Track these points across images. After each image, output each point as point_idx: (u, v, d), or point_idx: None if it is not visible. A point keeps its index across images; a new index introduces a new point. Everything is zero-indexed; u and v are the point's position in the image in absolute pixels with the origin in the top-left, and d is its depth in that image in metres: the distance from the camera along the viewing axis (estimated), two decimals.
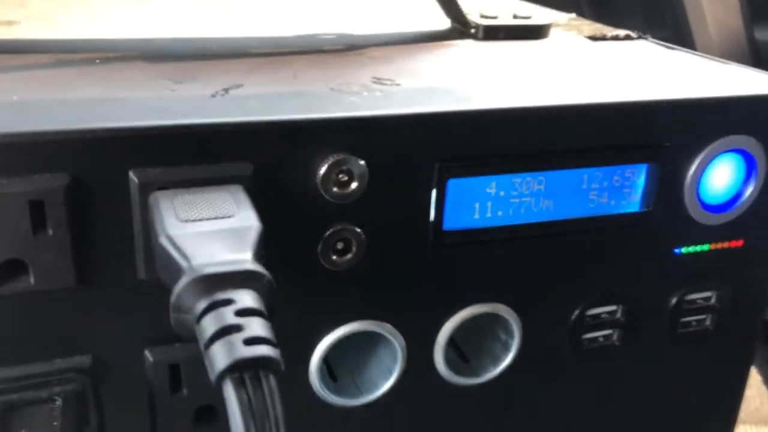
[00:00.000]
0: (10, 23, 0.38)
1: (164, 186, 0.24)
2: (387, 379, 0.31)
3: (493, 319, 0.32)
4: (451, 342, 0.32)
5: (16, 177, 0.23)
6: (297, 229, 0.27)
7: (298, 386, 0.29)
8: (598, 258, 0.33)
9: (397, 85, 0.30)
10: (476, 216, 0.29)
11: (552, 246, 0.31)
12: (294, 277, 0.28)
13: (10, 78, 0.28)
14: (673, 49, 0.40)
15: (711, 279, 0.35)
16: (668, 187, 0.32)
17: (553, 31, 0.42)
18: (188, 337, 0.20)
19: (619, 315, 0.34)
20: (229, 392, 0.18)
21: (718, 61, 0.38)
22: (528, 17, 0.42)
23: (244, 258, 0.21)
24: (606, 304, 0.34)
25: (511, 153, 0.29)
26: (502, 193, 0.29)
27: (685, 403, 0.38)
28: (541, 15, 0.44)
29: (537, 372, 0.34)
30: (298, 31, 0.39)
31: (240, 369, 0.18)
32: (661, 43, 0.42)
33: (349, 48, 0.36)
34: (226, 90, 0.28)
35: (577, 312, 0.33)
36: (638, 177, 0.31)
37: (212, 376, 0.19)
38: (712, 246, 0.34)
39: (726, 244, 0.34)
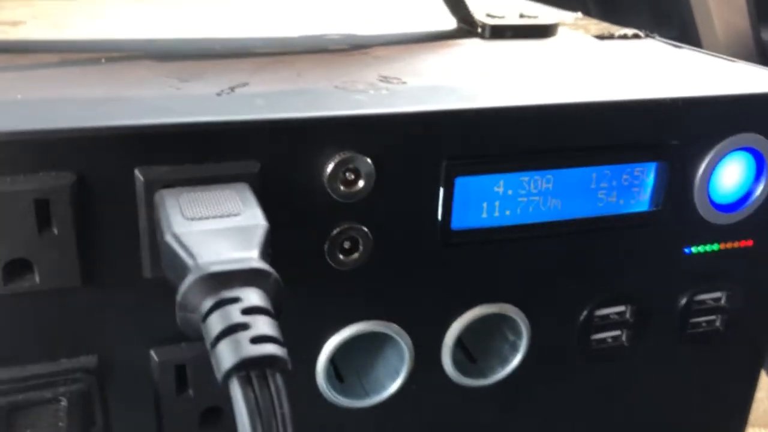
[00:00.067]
0: (15, 23, 0.38)
1: (170, 184, 0.24)
2: (394, 379, 0.31)
3: (501, 319, 0.32)
4: (459, 342, 0.32)
5: (21, 175, 0.23)
6: (304, 228, 0.27)
7: (305, 387, 0.29)
8: (607, 258, 0.32)
9: (404, 83, 0.30)
10: (484, 215, 0.29)
11: (560, 246, 0.31)
12: (300, 277, 0.27)
13: (15, 77, 0.28)
14: (681, 47, 0.40)
15: (721, 279, 0.35)
16: (677, 186, 0.32)
17: (560, 30, 0.42)
18: (194, 336, 0.20)
19: (628, 315, 0.34)
20: (236, 391, 0.18)
21: (726, 59, 0.37)
22: (535, 16, 0.41)
23: (250, 256, 0.21)
24: (615, 304, 0.33)
25: (519, 151, 0.29)
26: (510, 192, 0.29)
27: (695, 405, 0.38)
28: (547, 14, 0.43)
29: (545, 373, 0.33)
30: (303, 32, 0.39)
31: (247, 368, 0.18)
32: (669, 41, 0.42)
33: (355, 48, 0.36)
34: (232, 88, 0.28)
35: (585, 312, 0.33)
36: (647, 175, 0.31)
37: (219, 375, 0.18)
38: (722, 246, 0.34)
39: (736, 244, 0.34)
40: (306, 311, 0.28)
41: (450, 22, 0.42)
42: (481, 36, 0.40)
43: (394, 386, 0.31)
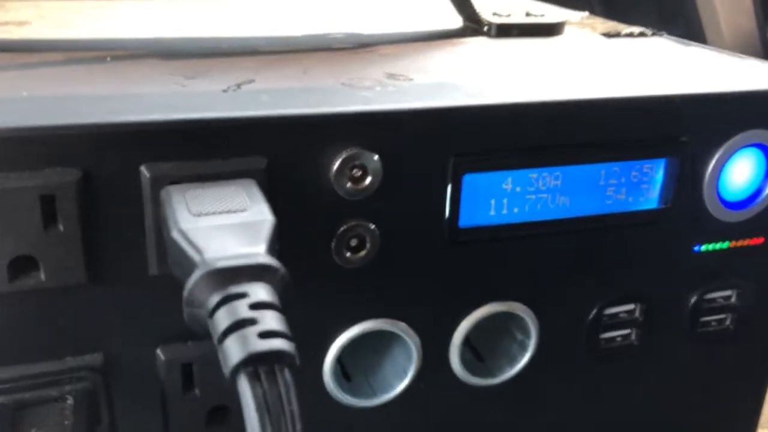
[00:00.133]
0: (21, 23, 0.38)
1: (176, 180, 0.24)
2: (402, 379, 0.30)
3: (509, 318, 0.32)
4: (466, 342, 0.31)
5: (27, 171, 0.22)
6: (310, 226, 0.27)
7: (312, 386, 0.29)
8: (616, 256, 0.32)
9: (411, 80, 0.30)
10: (492, 212, 0.29)
11: (569, 243, 0.31)
12: (307, 274, 0.27)
13: (21, 75, 0.28)
14: (689, 44, 0.40)
15: (731, 277, 0.34)
16: (687, 183, 0.31)
17: (566, 29, 0.42)
18: (201, 332, 0.20)
19: (637, 314, 0.33)
20: (244, 387, 0.18)
21: (735, 56, 0.37)
22: (541, 15, 0.41)
23: (257, 251, 0.20)
24: (624, 303, 0.33)
25: (527, 148, 0.28)
26: (518, 189, 0.29)
27: (705, 405, 0.37)
28: (554, 13, 0.43)
29: (553, 372, 0.33)
30: (308, 31, 0.39)
31: (254, 363, 0.18)
32: (677, 39, 0.41)
33: (360, 46, 0.36)
34: (238, 85, 0.27)
35: (594, 311, 0.33)
36: (656, 172, 0.31)
37: (226, 371, 0.18)
38: (732, 244, 0.33)
39: (746, 242, 0.34)
40: (313, 309, 0.28)
41: (456, 21, 0.41)
42: (488, 34, 0.39)
43: (401, 385, 0.30)
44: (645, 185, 0.31)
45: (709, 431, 0.38)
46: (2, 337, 0.24)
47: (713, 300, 0.34)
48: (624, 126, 0.30)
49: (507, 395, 0.33)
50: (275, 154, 0.25)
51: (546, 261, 0.31)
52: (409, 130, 0.27)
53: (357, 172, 0.26)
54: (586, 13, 0.49)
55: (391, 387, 0.30)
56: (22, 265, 0.23)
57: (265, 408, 0.17)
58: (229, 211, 0.22)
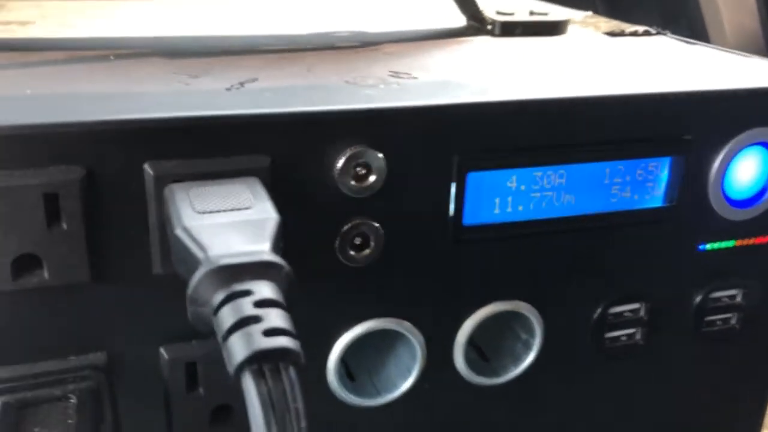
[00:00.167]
0: (24, 23, 0.38)
1: (180, 179, 0.23)
2: (406, 378, 0.30)
3: (513, 317, 0.31)
4: (470, 341, 0.31)
5: (30, 169, 0.22)
6: (314, 224, 0.26)
7: (315, 385, 0.29)
8: (621, 254, 0.32)
9: (415, 78, 0.30)
10: (496, 211, 0.29)
11: (573, 242, 0.31)
12: (311, 273, 0.27)
13: (25, 73, 0.28)
14: (693, 43, 0.40)
15: (736, 276, 0.34)
16: (692, 182, 0.31)
17: (570, 28, 0.42)
18: (205, 330, 0.20)
19: (642, 313, 0.33)
20: (249, 385, 0.18)
21: (740, 54, 0.37)
22: (545, 14, 0.41)
23: (262, 249, 0.20)
24: (629, 302, 0.33)
25: (531, 146, 0.28)
26: (522, 187, 0.29)
27: (710, 405, 0.37)
28: (557, 12, 0.43)
29: (558, 372, 0.33)
30: (311, 29, 0.39)
31: (259, 360, 0.18)
32: (681, 38, 0.41)
33: (364, 45, 0.36)
34: (242, 83, 0.27)
35: (599, 310, 0.32)
36: (661, 170, 0.31)
37: (230, 369, 0.18)
38: (738, 242, 0.33)
39: (752, 240, 0.34)
40: (316, 308, 0.28)
41: (459, 20, 0.41)
42: (491, 33, 0.39)
43: (405, 385, 0.30)
44: (650, 183, 0.31)
45: (714, 431, 0.38)
46: (5, 335, 0.24)
47: (718, 299, 0.34)
48: (629, 124, 0.30)
49: (511, 395, 0.32)
50: (279, 152, 0.25)
51: (550, 260, 0.31)
52: (414, 128, 0.27)
53: (361, 170, 0.26)
54: (589, 13, 0.48)
55: (395, 386, 0.30)
56: (26, 263, 0.23)
57: (270, 406, 0.17)
58: (233, 209, 0.22)
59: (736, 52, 0.38)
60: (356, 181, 0.26)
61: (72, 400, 0.24)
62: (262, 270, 0.20)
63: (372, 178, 0.26)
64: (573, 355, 0.33)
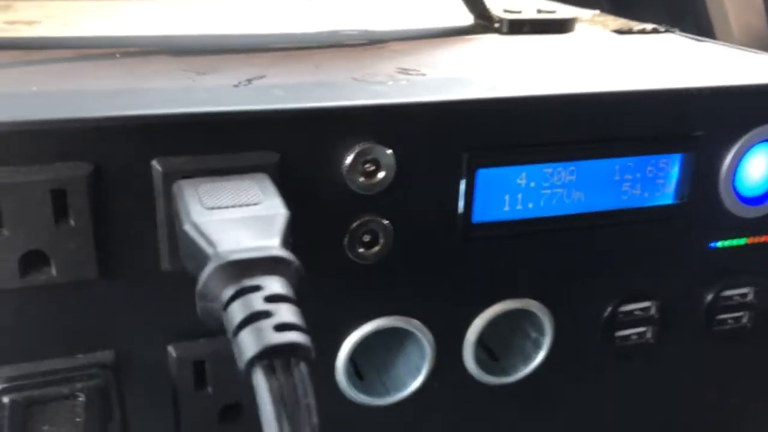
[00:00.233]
0: (30, 22, 0.37)
1: (188, 175, 0.23)
2: (415, 377, 0.30)
3: (522, 315, 0.31)
4: (479, 340, 0.31)
5: (37, 165, 0.22)
6: (323, 221, 0.26)
7: (324, 384, 0.29)
8: (631, 252, 0.31)
9: (423, 75, 0.30)
10: (506, 208, 0.29)
11: (584, 239, 0.30)
12: (319, 271, 0.27)
13: (31, 71, 0.28)
14: (702, 41, 0.40)
15: (748, 274, 0.34)
16: (703, 179, 0.31)
17: (577, 26, 0.41)
18: (215, 326, 0.20)
19: (653, 312, 0.33)
20: (259, 380, 0.17)
21: (750, 51, 0.37)
22: (552, 12, 0.41)
23: (271, 244, 0.20)
24: (639, 300, 0.33)
25: (541, 142, 0.28)
26: (532, 184, 0.29)
27: (721, 404, 0.37)
28: (564, 10, 0.43)
29: (568, 371, 0.33)
30: (319, 28, 0.39)
31: (270, 356, 0.18)
32: (690, 35, 0.41)
33: (371, 42, 0.36)
34: (249, 80, 0.27)
35: (609, 308, 0.32)
36: (672, 167, 0.30)
37: (241, 364, 0.18)
38: (749, 240, 0.33)
39: (763, 238, 0.33)
40: (325, 306, 0.27)
41: (466, 18, 0.41)
42: (499, 31, 0.39)
43: (415, 384, 0.30)
44: (660, 180, 0.30)
45: (724, 430, 0.38)
46: (13, 333, 0.24)
47: (730, 297, 0.34)
48: (639, 120, 0.29)
49: (521, 394, 0.32)
50: (287, 148, 0.25)
51: (560, 257, 0.30)
52: (423, 124, 0.26)
53: (370, 167, 0.26)
54: (596, 11, 0.48)
55: (405, 385, 0.30)
56: (33, 260, 0.23)
57: (281, 401, 0.17)
58: (242, 205, 0.22)
59: (746, 48, 0.37)
60: (365, 177, 0.26)
61: (80, 399, 0.24)
62: (272, 265, 0.20)
63: (381, 175, 0.26)
64: (583, 354, 0.33)
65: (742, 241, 0.33)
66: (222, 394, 0.26)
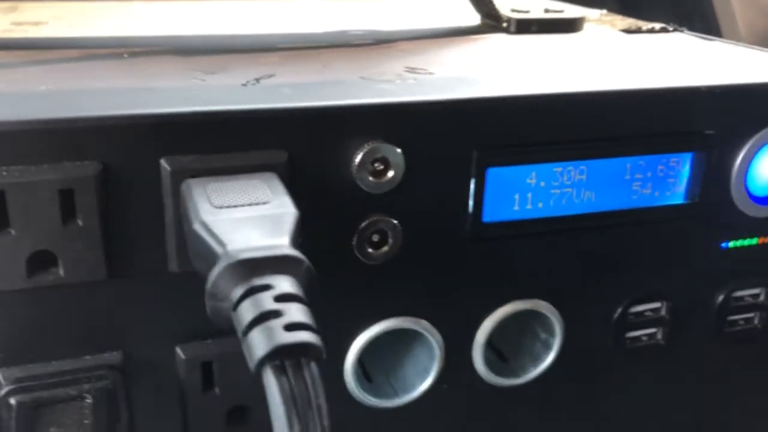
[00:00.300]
0: (37, 23, 0.37)
1: (196, 174, 0.23)
2: (424, 379, 0.30)
3: (532, 316, 0.31)
4: (488, 341, 0.31)
5: (45, 165, 0.22)
6: (331, 221, 0.26)
7: (332, 385, 0.28)
8: (641, 252, 0.31)
9: (431, 74, 0.29)
10: (516, 207, 0.28)
11: (594, 239, 0.30)
12: (328, 271, 0.26)
13: (38, 71, 0.28)
14: (712, 40, 0.39)
15: (760, 275, 0.33)
16: (714, 178, 0.31)
17: (585, 26, 0.41)
18: (224, 325, 0.19)
19: (663, 312, 0.33)
20: (270, 380, 0.17)
21: (759, 50, 0.37)
22: (560, 11, 0.41)
23: (281, 243, 0.20)
24: (650, 301, 0.32)
25: (552, 141, 0.28)
26: (542, 184, 0.28)
27: (732, 405, 0.36)
28: (572, 10, 0.43)
29: (578, 372, 0.32)
30: (327, 28, 0.38)
31: (281, 356, 0.17)
32: (699, 35, 0.41)
33: (379, 42, 0.36)
34: (258, 80, 0.27)
35: (620, 309, 0.32)
36: (683, 166, 0.30)
37: (251, 364, 0.18)
38: (761, 240, 0.33)
39: None
40: (332, 307, 0.27)
41: (473, 18, 0.41)
42: (507, 30, 0.39)
43: (423, 385, 0.30)
44: (671, 179, 0.30)
45: None
46: (20, 334, 0.24)
47: (741, 298, 0.34)
48: (650, 119, 0.29)
49: (531, 396, 0.32)
50: (296, 147, 0.25)
51: (570, 257, 0.30)
52: (432, 123, 0.26)
53: (379, 166, 0.26)
54: (604, 11, 0.48)
55: (413, 387, 0.30)
56: (41, 260, 0.23)
57: (292, 402, 0.17)
58: (251, 204, 0.22)
59: (756, 47, 0.37)
60: (374, 176, 0.26)
61: (88, 400, 0.24)
62: (281, 264, 0.19)
63: (390, 174, 0.26)
64: (593, 355, 0.32)
65: (753, 241, 0.33)
66: (229, 395, 0.26)
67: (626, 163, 0.29)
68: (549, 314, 0.30)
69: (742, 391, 0.36)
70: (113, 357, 0.25)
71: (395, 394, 0.30)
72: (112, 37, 0.35)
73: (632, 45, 0.38)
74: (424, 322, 0.29)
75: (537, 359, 0.31)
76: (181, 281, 0.24)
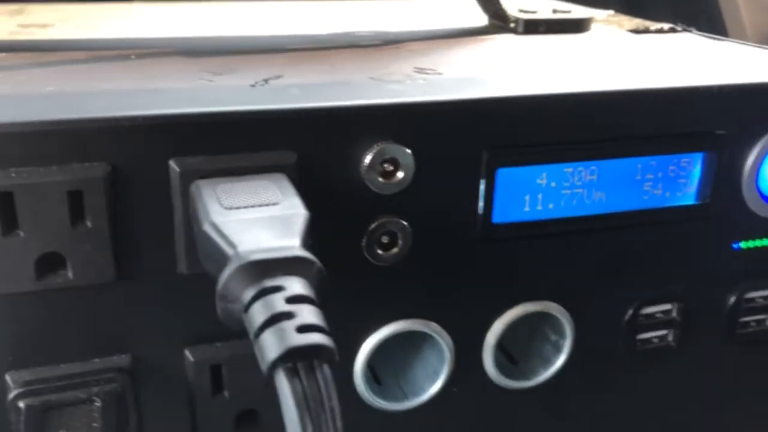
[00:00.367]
0: (44, 25, 0.37)
1: (205, 175, 0.23)
2: (433, 381, 0.29)
3: (542, 318, 0.31)
4: (498, 343, 0.30)
5: (54, 166, 0.22)
6: (341, 222, 0.26)
7: (342, 388, 0.28)
8: (652, 253, 0.31)
9: (440, 74, 0.29)
10: (526, 208, 0.28)
11: (604, 240, 0.30)
12: (337, 273, 0.26)
13: (46, 72, 0.28)
14: (722, 40, 0.39)
15: None
16: (725, 178, 0.30)
17: (593, 26, 0.41)
18: (236, 327, 0.19)
19: (674, 314, 0.32)
20: (282, 382, 0.17)
21: None
22: (568, 11, 0.41)
23: (292, 244, 0.20)
24: (661, 302, 0.32)
25: (562, 141, 0.28)
26: (553, 184, 0.28)
27: (743, 408, 0.36)
28: (579, 10, 0.42)
29: (589, 374, 0.32)
30: (335, 29, 0.38)
31: (293, 358, 0.17)
32: (707, 35, 0.41)
33: (387, 43, 0.35)
34: (266, 80, 0.27)
35: (630, 311, 0.32)
36: (694, 166, 0.30)
37: (263, 366, 0.17)
38: None
39: None
40: (343, 309, 0.27)
41: (482, 19, 0.41)
42: (514, 31, 0.39)
43: (433, 388, 0.29)
44: (682, 180, 0.30)
45: None
46: (29, 337, 0.23)
47: (753, 299, 0.33)
48: (661, 119, 0.29)
49: (541, 398, 0.32)
50: (305, 148, 0.24)
51: (581, 258, 0.30)
52: (442, 124, 0.26)
53: (388, 167, 0.26)
54: (611, 12, 0.48)
55: (423, 390, 0.30)
56: (50, 262, 0.23)
57: (305, 404, 0.17)
58: (261, 205, 0.21)
59: (765, 47, 0.37)
60: (383, 177, 0.26)
61: (96, 403, 0.23)
62: (293, 265, 0.19)
63: (400, 175, 0.26)
64: (604, 357, 0.32)
65: (765, 242, 0.32)
66: (238, 399, 0.26)
67: (637, 164, 0.29)
68: (559, 316, 0.30)
69: (754, 393, 0.36)
70: (122, 360, 0.24)
71: (405, 396, 0.30)
72: (119, 39, 0.35)
73: (641, 45, 0.38)
74: (434, 324, 0.29)
75: (547, 361, 0.31)
76: (190, 283, 0.24)
